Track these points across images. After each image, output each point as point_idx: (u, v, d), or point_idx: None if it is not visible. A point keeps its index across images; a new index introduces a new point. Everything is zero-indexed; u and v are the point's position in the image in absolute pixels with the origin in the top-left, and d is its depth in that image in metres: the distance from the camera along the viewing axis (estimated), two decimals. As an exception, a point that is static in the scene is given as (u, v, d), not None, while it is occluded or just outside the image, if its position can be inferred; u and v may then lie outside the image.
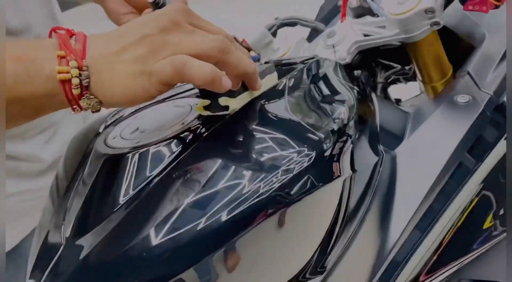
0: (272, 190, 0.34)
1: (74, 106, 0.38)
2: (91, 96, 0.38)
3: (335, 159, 0.38)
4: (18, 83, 0.36)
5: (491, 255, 0.61)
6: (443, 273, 0.51)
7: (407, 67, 0.79)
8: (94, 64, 0.37)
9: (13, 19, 0.58)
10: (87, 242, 0.37)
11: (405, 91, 0.90)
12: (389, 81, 0.82)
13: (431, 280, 0.50)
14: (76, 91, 0.37)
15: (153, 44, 0.37)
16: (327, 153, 0.38)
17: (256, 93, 0.45)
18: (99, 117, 0.55)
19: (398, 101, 0.83)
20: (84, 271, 0.35)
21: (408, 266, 0.47)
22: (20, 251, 0.75)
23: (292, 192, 0.35)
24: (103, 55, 0.38)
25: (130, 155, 0.40)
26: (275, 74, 0.48)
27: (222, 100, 0.42)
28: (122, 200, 0.38)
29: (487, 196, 0.53)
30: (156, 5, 0.57)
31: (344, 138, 0.41)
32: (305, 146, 0.37)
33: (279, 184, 0.34)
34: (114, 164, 0.40)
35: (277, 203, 0.34)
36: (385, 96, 0.75)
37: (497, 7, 0.54)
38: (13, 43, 0.39)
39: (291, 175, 0.35)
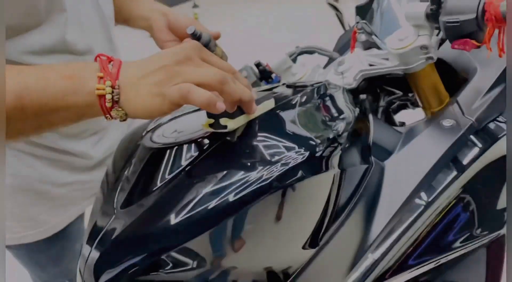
0: (272, 177, 0.45)
1: (107, 115, 0.49)
2: (120, 109, 0.48)
3: (324, 159, 0.49)
4: (67, 95, 0.48)
5: (471, 260, 0.69)
6: (420, 268, 0.60)
7: (410, 94, 0.89)
8: (124, 85, 0.48)
9: (79, 42, 0.70)
10: (125, 219, 0.48)
11: (414, 116, 0.99)
12: (393, 106, 0.92)
13: (407, 274, 0.59)
14: (108, 104, 0.48)
15: (169, 73, 0.47)
16: (318, 154, 0.49)
17: (252, 116, 0.54)
18: (142, 125, 0.67)
19: (402, 124, 0.93)
20: (122, 240, 0.47)
21: (386, 258, 0.56)
22: (67, 233, 0.87)
23: (287, 180, 0.46)
24: (131, 78, 0.48)
25: (169, 149, 0.52)
26: (272, 100, 0.57)
27: (222, 121, 0.51)
28: (159, 183, 0.50)
29: (465, 198, 0.62)
30: (194, 36, 0.69)
31: (335, 144, 0.52)
32: (303, 147, 0.49)
33: (278, 173, 0.46)
34: (157, 155, 0.52)
35: (275, 186, 0.45)
36: (387, 117, 0.85)
37: (478, 47, 0.64)
38: (66, 64, 0.51)
39: (287, 167, 0.46)
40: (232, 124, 0.51)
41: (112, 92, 0.48)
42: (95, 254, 0.47)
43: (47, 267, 0.92)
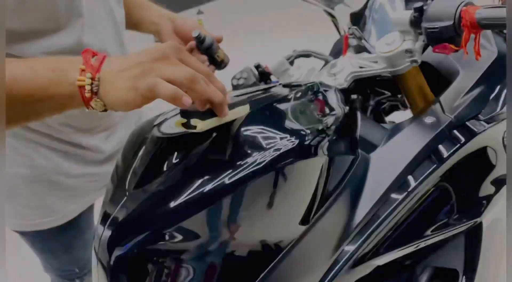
0: (266, 161, 0.52)
1: (88, 106, 0.53)
2: (98, 100, 0.52)
3: (313, 146, 0.56)
4: (51, 85, 0.52)
5: (451, 246, 0.75)
6: (399, 251, 0.66)
7: (399, 96, 0.95)
8: (103, 77, 0.51)
9: (94, 45, 0.76)
10: (133, 202, 0.54)
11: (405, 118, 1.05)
12: (385, 106, 0.99)
13: (388, 256, 0.65)
14: (88, 95, 0.51)
15: (144, 68, 0.50)
16: (307, 142, 0.56)
17: (225, 119, 0.55)
18: (149, 120, 0.73)
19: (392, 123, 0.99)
20: (130, 220, 0.52)
21: (367, 242, 0.62)
22: (78, 223, 0.94)
23: (279, 163, 0.53)
24: (111, 72, 0.52)
25: (175, 138, 0.58)
26: (247, 106, 0.58)
27: (193, 121, 0.53)
28: (165, 169, 0.56)
29: (443, 187, 0.68)
30: (198, 39, 0.76)
31: (323, 135, 0.59)
32: (294, 136, 0.55)
33: (271, 157, 0.52)
34: (165, 144, 0.58)
35: (267, 170, 0.52)
36: (376, 116, 0.91)
37: (456, 51, 0.70)
38: (52, 58, 0.55)
39: (279, 152, 0.53)
40: (201, 125, 0.54)
41: (92, 84, 0.51)
42: (108, 233, 0.53)
43: (59, 254, 0.98)
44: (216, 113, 0.54)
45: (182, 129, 0.56)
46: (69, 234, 0.94)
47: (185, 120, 0.55)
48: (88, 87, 0.51)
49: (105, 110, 0.54)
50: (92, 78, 0.51)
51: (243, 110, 0.58)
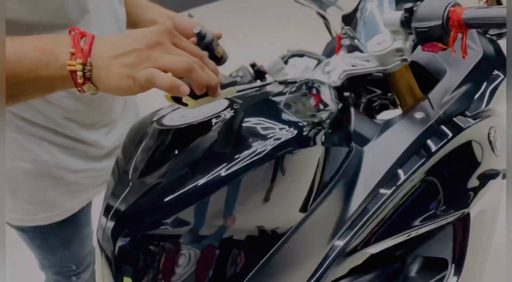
0: (266, 150, 0.55)
1: (79, 89, 0.52)
2: (91, 85, 0.51)
3: (310, 137, 0.59)
4: (39, 67, 0.50)
5: (440, 237, 0.78)
6: (390, 240, 0.69)
7: (389, 94, 0.99)
8: (96, 62, 0.50)
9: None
10: (134, 194, 0.56)
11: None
12: (376, 105, 1.02)
13: (381, 244, 0.68)
14: (80, 80, 0.50)
15: (139, 57, 0.50)
16: (305, 133, 0.59)
17: (216, 99, 0.56)
18: (147, 115, 0.74)
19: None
20: (132, 212, 0.54)
21: (358, 233, 0.65)
22: (77, 219, 0.95)
23: (279, 152, 0.55)
24: (104, 57, 0.50)
25: (175, 130, 0.60)
26: (236, 87, 0.60)
27: (185, 99, 0.54)
28: (167, 161, 0.58)
29: (431, 180, 0.71)
30: (199, 35, 0.78)
31: (319, 127, 0.62)
32: (292, 127, 0.58)
33: (271, 147, 0.55)
34: (166, 135, 0.61)
35: (268, 158, 0.55)
36: (368, 112, 0.95)
37: (444, 49, 0.74)
38: (40, 37, 0.53)
39: (278, 141, 0.56)
40: (193, 103, 0.55)
41: (83, 69, 0.50)
42: (111, 224, 0.55)
43: (58, 250, 0.99)
44: (210, 95, 0.55)
45: (172, 103, 0.57)
46: (68, 230, 0.95)
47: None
48: (80, 73, 0.50)
49: (97, 93, 0.54)
50: (83, 64, 0.50)
51: (232, 91, 0.60)
